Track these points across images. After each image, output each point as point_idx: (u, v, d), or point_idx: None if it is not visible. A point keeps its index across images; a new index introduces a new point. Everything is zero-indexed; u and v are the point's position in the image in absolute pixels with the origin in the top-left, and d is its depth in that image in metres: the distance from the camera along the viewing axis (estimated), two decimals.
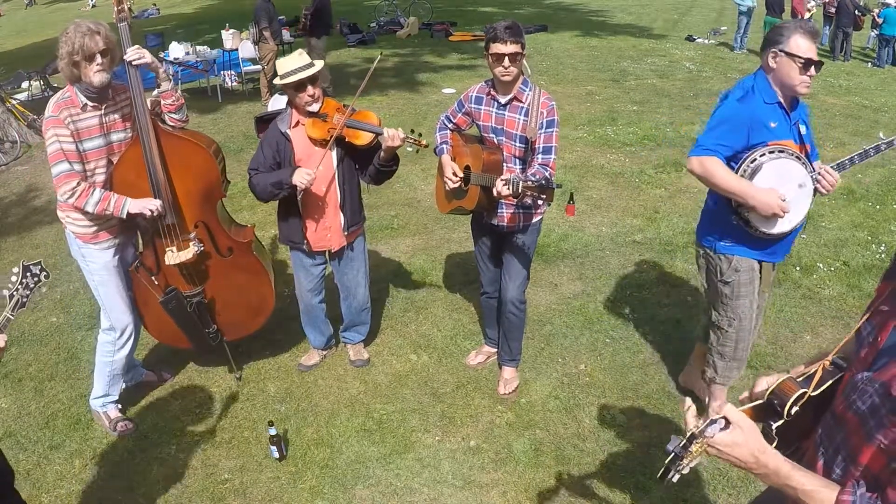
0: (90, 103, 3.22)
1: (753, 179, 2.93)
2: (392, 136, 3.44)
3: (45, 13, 27.79)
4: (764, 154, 2.93)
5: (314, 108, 3.49)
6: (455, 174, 3.53)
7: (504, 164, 3.49)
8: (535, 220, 3.67)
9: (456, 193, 3.65)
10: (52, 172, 3.20)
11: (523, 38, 3.30)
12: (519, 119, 3.41)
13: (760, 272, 3.25)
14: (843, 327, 4.54)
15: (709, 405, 3.62)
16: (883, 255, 5.52)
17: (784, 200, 2.92)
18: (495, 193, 3.16)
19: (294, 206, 3.69)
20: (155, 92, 3.44)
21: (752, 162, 2.94)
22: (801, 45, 2.90)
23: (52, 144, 3.17)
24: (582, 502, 3.25)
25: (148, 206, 3.35)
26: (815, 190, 3.04)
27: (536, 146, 3.37)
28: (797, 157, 2.97)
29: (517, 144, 3.45)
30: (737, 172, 2.97)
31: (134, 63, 3.27)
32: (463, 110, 3.66)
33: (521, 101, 3.40)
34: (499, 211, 3.59)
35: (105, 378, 3.68)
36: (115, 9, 3.38)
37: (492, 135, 3.53)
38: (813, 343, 4.39)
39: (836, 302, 4.87)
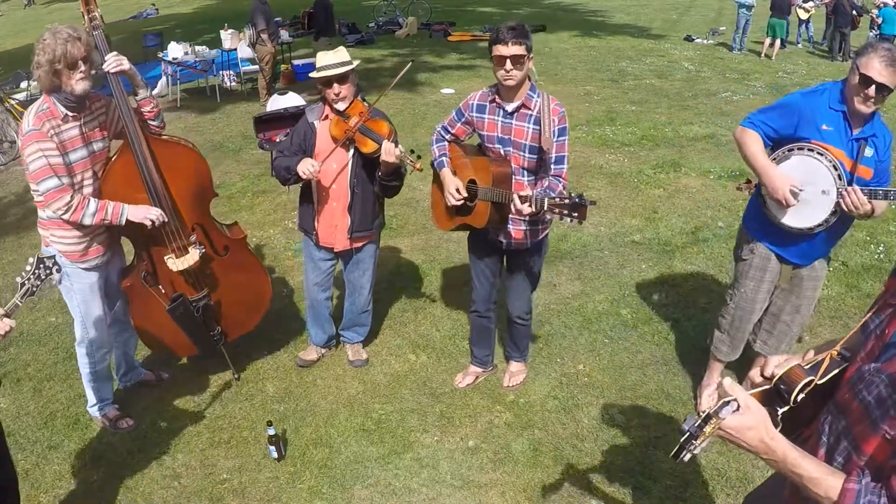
0: (70, 113, 3.10)
1: (780, 164, 3.11)
2: (388, 150, 3.40)
3: (43, 13, 27.77)
4: (803, 149, 3.06)
5: (339, 106, 3.54)
6: (458, 191, 3.38)
7: (513, 177, 3.34)
8: (541, 236, 3.54)
9: (460, 210, 3.47)
10: (40, 190, 3.05)
11: (529, 39, 3.11)
12: (528, 128, 3.23)
13: (781, 270, 3.38)
14: (841, 327, 4.55)
15: (706, 378, 3.73)
16: (882, 256, 5.53)
17: (798, 193, 3.05)
18: (514, 210, 3.03)
19: (311, 196, 3.74)
20: (134, 100, 3.37)
21: (788, 150, 3.11)
22: (870, 64, 2.88)
23: (36, 160, 2.99)
24: (581, 502, 3.25)
25: (149, 215, 3.28)
26: (839, 204, 3.01)
27: (548, 156, 3.21)
28: (834, 165, 2.98)
29: (526, 155, 3.28)
30: (771, 154, 3.16)
31: (113, 71, 3.18)
32: (463, 119, 3.47)
33: (529, 109, 3.23)
34: (507, 227, 3.45)
35: (92, 386, 3.67)
36: (86, 17, 3.25)
37: (497, 145, 3.34)
38: (811, 343, 4.38)
39: (834, 302, 4.88)
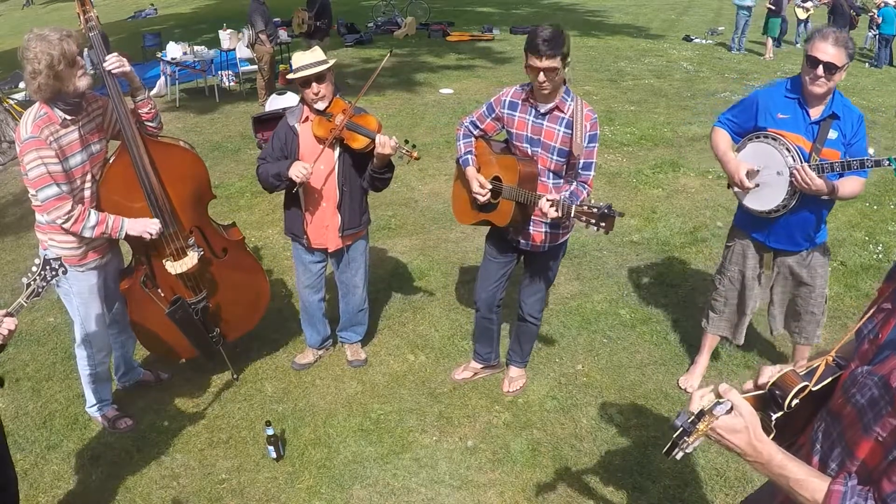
0: (68, 117, 3.08)
1: (739, 153, 3.38)
2: (383, 143, 3.38)
3: (42, 13, 27.75)
4: (759, 137, 3.29)
5: (319, 105, 3.51)
6: (483, 187, 3.36)
7: (538, 178, 3.32)
8: (561, 240, 3.53)
9: (483, 206, 3.47)
10: (39, 198, 3.04)
11: (564, 48, 3.02)
12: (558, 130, 3.22)
13: (763, 256, 3.59)
14: (840, 328, 4.55)
15: (700, 353, 4.01)
16: (880, 256, 5.53)
17: (754, 176, 3.30)
18: (539, 213, 3.02)
19: (298, 200, 3.71)
20: (131, 101, 3.35)
21: (748, 140, 3.36)
22: (815, 45, 3.09)
23: (35, 168, 2.97)
24: (579, 502, 3.26)
25: (148, 228, 3.28)
26: (793, 183, 3.17)
27: (577, 162, 3.20)
28: (787, 148, 3.18)
29: (554, 157, 3.26)
30: (737, 144, 3.44)
31: (114, 72, 3.17)
32: (493, 115, 3.44)
33: (562, 112, 3.21)
34: (527, 229, 3.44)
35: (92, 387, 3.67)
36: (82, 18, 3.20)
37: (526, 145, 3.33)
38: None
39: (833, 302, 4.87)
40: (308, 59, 3.46)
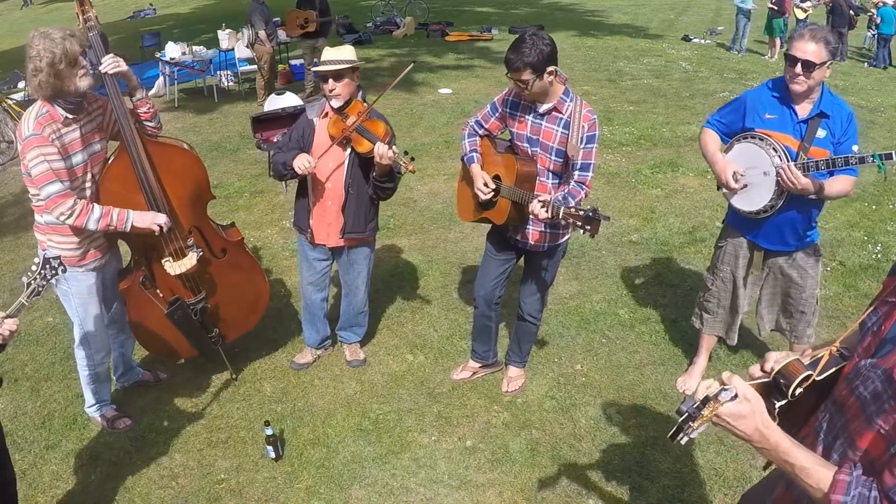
0: (70, 116, 3.07)
1: (727, 154, 3.39)
2: (381, 152, 3.38)
3: (41, 13, 27.72)
4: (747, 137, 3.30)
5: (333, 103, 3.56)
6: (486, 185, 3.38)
7: (537, 178, 3.34)
8: (561, 241, 3.55)
9: (483, 204, 3.49)
10: (41, 195, 3.03)
11: (531, 57, 3.00)
12: (556, 131, 3.24)
13: (754, 256, 3.57)
14: (839, 327, 4.55)
15: (698, 354, 4.01)
16: (879, 256, 5.54)
17: (741, 177, 3.31)
18: (529, 212, 3.06)
19: (307, 194, 3.76)
20: (130, 101, 3.35)
21: (735, 141, 3.38)
22: (793, 44, 3.13)
23: (38, 165, 2.97)
24: (578, 502, 3.26)
25: (156, 221, 3.27)
26: (779, 183, 3.17)
27: (574, 161, 3.22)
28: (774, 148, 3.19)
29: (552, 158, 3.29)
30: (725, 145, 3.46)
31: (111, 72, 3.17)
32: (497, 115, 3.47)
33: (560, 113, 3.22)
34: (525, 228, 3.46)
35: (91, 387, 3.67)
36: (81, 18, 3.20)
37: (526, 144, 3.36)
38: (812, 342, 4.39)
39: (832, 302, 4.88)
40: (331, 55, 3.50)
